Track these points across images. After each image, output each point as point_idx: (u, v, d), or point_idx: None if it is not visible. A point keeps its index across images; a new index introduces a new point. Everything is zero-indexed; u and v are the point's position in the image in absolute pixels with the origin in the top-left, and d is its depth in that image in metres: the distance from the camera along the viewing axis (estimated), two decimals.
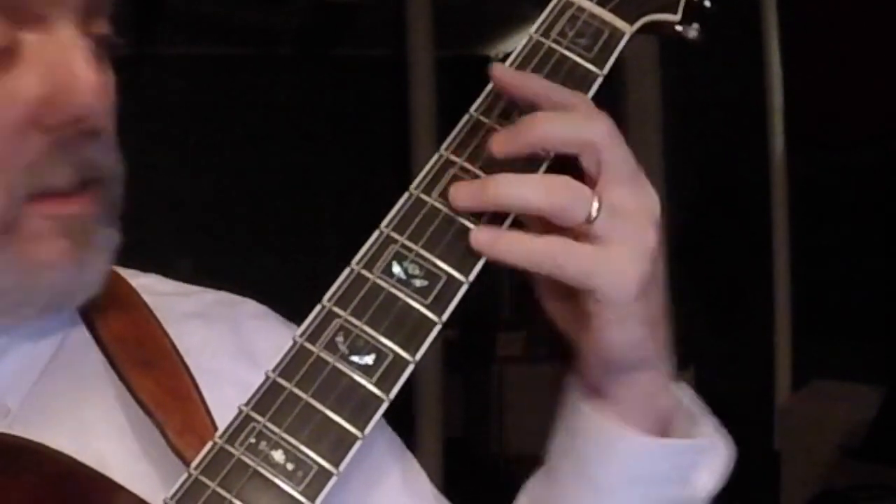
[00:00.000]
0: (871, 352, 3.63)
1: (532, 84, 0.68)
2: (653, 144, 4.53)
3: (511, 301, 5.46)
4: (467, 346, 5.05)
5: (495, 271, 0.65)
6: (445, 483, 0.74)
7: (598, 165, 0.65)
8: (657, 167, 4.54)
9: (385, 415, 0.64)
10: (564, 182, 0.63)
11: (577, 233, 0.64)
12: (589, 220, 0.63)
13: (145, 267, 0.84)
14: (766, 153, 4.20)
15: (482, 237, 0.65)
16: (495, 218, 0.66)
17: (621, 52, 0.72)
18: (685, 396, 0.74)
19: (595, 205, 0.63)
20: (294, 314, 0.69)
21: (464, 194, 0.65)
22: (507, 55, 0.71)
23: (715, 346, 4.28)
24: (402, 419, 0.76)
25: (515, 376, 4.99)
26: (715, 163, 4.37)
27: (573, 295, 0.65)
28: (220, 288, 0.86)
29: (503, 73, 0.68)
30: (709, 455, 0.73)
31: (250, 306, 0.84)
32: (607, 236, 0.63)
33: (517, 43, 0.71)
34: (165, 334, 0.76)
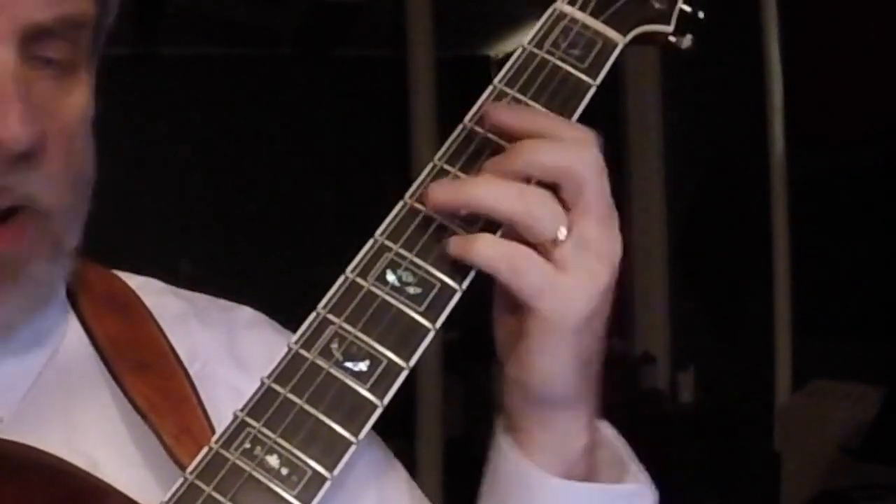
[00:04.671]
0: (871, 352, 3.63)
1: (527, 118, 0.67)
2: (653, 144, 4.54)
3: None
4: (467, 346, 5.04)
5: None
6: (445, 483, 0.74)
7: (577, 196, 0.65)
8: (657, 167, 4.54)
9: (385, 415, 0.64)
10: (541, 196, 0.64)
11: (541, 252, 0.64)
12: (556, 242, 0.63)
13: (146, 267, 0.84)
14: (766, 153, 4.20)
15: (457, 243, 0.65)
16: (486, 229, 0.66)
17: (621, 53, 0.73)
18: (616, 439, 0.73)
19: (564, 229, 0.63)
20: (293, 313, 0.69)
21: (440, 192, 0.66)
22: (508, 55, 0.71)
23: (715, 346, 4.28)
24: (401, 419, 0.76)
25: None
26: (715, 163, 4.37)
27: (519, 311, 0.65)
28: (218, 287, 0.86)
29: (500, 113, 0.68)
30: (639, 500, 0.71)
31: (245, 313, 0.84)
32: (568, 264, 0.64)
33: (517, 43, 0.72)
34: (163, 335, 0.76)
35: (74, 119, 0.71)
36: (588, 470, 0.69)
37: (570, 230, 0.63)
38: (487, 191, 0.64)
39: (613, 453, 0.72)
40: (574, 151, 0.65)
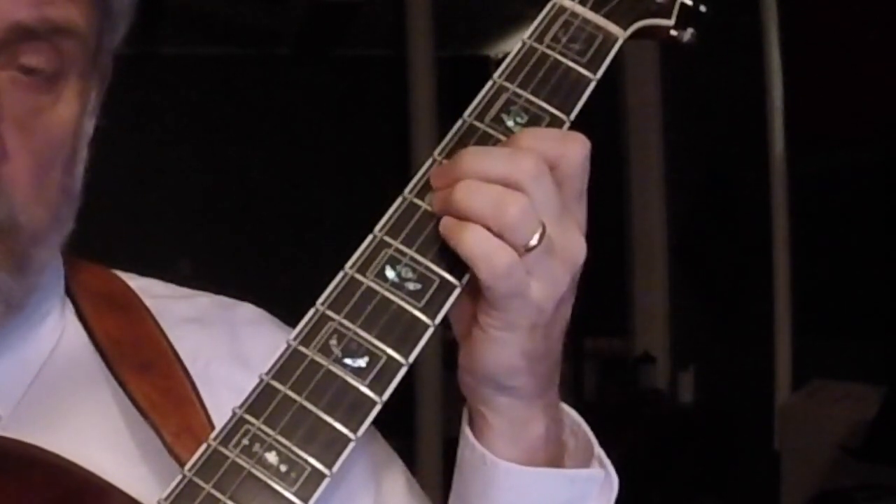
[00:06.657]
0: (871, 352, 3.63)
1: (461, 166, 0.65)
2: (653, 144, 4.54)
3: None
4: None
5: None
6: (445, 483, 0.74)
7: (560, 188, 0.64)
8: (657, 167, 4.55)
9: (385, 415, 0.64)
10: (519, 204, 0.63)
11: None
12: (528, 248, 0.63)
13: (145, 267, 0.84)
14: (766, 153, 4.20)
15: (447, 225, 0.64)
16: None
17: (621, 52, 0.72)
18: (584, 426, 0.73)
19: (536, 237, 0.63)
20: (293, 314, 0.69)
21: (436, 199, 0.65)
22: (507, 55, 0.71)
23: (715, 346, 4.28)
24: (401, 419, 0.76)
25: None
26: (715, 163, 4.37)
27: (476, 299, 0.65)
28: (219, 288, 0.86)
29: (434, 176, 0.67)
30: (600, 486, 0.72)
31: (247, 310, 0.84)
32: (534, 269, 0.63)
33: (516, 43, 0.71)
34: (163, 336, 0.76)
35: (57, 135, 0.70)
36: (551, 456, 0.70)
37: (542, 235, 0.63)
38: (462, 197, 0.63)
39: (580, 440, 0.73)
40: (509, 160, 0.64)
